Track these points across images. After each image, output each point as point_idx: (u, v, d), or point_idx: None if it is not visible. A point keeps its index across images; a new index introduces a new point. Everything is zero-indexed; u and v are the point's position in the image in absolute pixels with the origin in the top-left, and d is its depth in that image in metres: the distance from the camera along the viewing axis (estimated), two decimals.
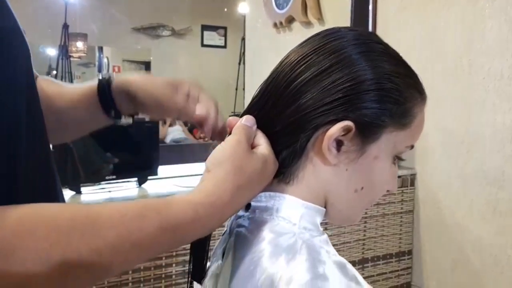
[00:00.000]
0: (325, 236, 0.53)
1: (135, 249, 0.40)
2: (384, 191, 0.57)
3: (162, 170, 1.78)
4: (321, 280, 0.45)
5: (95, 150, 1.63)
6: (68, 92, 0.69)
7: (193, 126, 6.29)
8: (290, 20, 2.62)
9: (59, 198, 0.58)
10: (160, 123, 5.23)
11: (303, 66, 0.52)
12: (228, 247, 0.55)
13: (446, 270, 1.87)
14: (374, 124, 0.51)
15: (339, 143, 0.51)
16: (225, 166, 0.48)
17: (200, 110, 0.62)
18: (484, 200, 1.70)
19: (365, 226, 1.91)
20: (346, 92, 0.50)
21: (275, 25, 2.75)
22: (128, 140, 1.66)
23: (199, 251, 0.55)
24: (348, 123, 0.50)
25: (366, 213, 1.91)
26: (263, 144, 0.52)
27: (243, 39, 4.73)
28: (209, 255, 0.57)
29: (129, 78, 0.67)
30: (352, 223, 0.59)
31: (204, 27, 5.73)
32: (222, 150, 0.50)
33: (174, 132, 5.25)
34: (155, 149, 1.74)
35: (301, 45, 0.56)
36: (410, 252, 2.01)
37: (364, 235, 1.91)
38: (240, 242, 0.52)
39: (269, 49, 2.93)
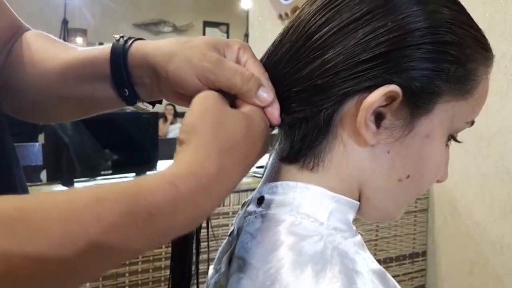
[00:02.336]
0: (359, 237, 0.42)
1: (94, 247, 0.28)
2: (435, 180, 0.45)
3: (162, 165, 1.68)
4: None
5: (91, 143, 1.53)
6: (67, 57, 0.49)
7: None
8: (296, 10, 2.52)
9: (16, 187, 0.47)
10: (161, 120, 5.14)
11: (332, 12, 0.40)
12: (236, 252, 0.42)
13: (463, 272, 1.76)
14: (427, 91, 0.39)
15: (379, 117, 0.39)
16: (200, 129, 0.36)
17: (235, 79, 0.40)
18: (506, 197, 1.59)
19: (377, 226, 1.81)
20: (390, 46, 0.38)
21: (280, 16, 2.66)
22: (125, 133, 1.56)
23: (182, 251, 0.44)
24: (393, 88, 0.37)
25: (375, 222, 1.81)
26: (243, 104, 0.40)
27: (246, 35, 4.63)
28: (196, 258, 0.45)
29: (149, 46, 0.44)
30: (391, 220, 0.48)
31: (206, 23, 5.64)
32: (191, 114, 0.37)
33: (175, 130, 5.16)
34: (154, 143, 1.64)
35: None
36: (424, 253, 1.92)
37: (376, 235, 1.81)
38: (251, 247, 0.41)
39: None
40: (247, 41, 4.45)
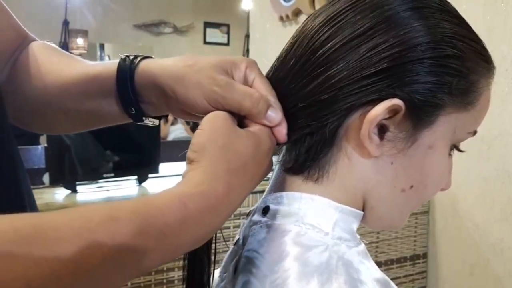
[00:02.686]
0: (363, 246, 0.43)
1: (108, 265, 0.29)
2: (438, 189, 0.45)
3: (164, 167, 1.68)
4: None
5: (93, 146, 1.54)
6: (73, 72, 0.49)
7: (196, 125, 6.18)
8: (297, 13, 2.52)
9: (24, 202, 0.47)
10: (162, 121, 5.14)
11: (334, 28, 0.41)
12: (241, 261, 0.43)
13: (463, 275, 1.77)
14: (429, 104, 0.39)
15: (382, 129, 0.40)
16: (210, 149, 0.37)
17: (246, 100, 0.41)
18: (506, 200, 1.60)
19: None
20: (392, 62, 0.38)
21: (281, 18, 2.66)
22: (127, 136, 1.57)
23: (198, 257, 0.44)
24: (396, 101, 0.38)
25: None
26: (251, 123, 0.41)
27: (247, 36, 4.63)
28: (212, 262, 0.46)
29: (156, 67, 0.44)
30: (395, 229, 0.49)
31: (207, 24, 5.63)
32: (201, 133, 0.38)
33: (176, 131, 5.15)
34: (156, 145, 1.64)
35: (331, 2, 0.44)
36: (425, 256, 1.91)
37: (377, 238, 1.81)
38: (257, 256, 0.41)
39: (274, 46, 2.83)
40: (247, 42, 4.43)
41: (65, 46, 4.57)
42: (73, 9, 4.70)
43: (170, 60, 0.44)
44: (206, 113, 0.40)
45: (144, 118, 0.49)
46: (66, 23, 4.59)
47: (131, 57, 0.46)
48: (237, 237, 0.47)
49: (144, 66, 0.45)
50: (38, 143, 2.08)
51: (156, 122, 0.51)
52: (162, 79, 0.43)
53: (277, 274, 0.38)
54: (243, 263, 0.42)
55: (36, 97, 0.52)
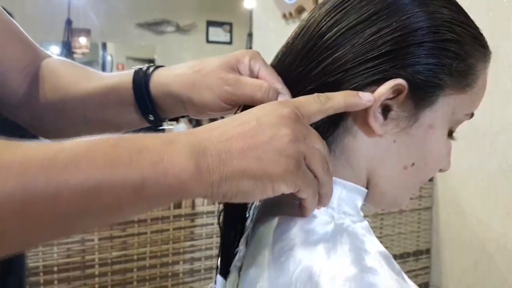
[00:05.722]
0: (366, 222, 0.45)
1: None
2: (438, 169, 0.48)
3: None
4: (371, 274, 0.37)
5: None
6: (89, 86, 0.53)
7: (199, 124, 6.18)
8: (300, 10, 2.53)
9: None
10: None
11: (341, 13, 0.43)
12: (251, 234, 0.46)
13: (467, 270, 1.78)
14: (430, 84, 0.42)
15: (386, 108, 0.43)
16: (254, 115, 0.39)
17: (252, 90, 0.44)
18: (509, 195, 1.60)
19: (381, 224, 1.82)
20: (395, 45, 0.41)
21: (284, 16, 2.67)
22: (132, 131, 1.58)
23: (230, 243, 0.48)
24: (400, 81, 0.41)
25: (382, 209, 1.82)
26: None
27: (250, 34, 4.65)
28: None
29: (168, 77, 0.48)
30: (397, 207, 0.51)
31: (209, 23, 5.65)
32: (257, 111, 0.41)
33: (180, 130, 5.17)
34: None
35: None
36: (428, 251, 1.92)
37: (381, 233, 1.82)
38: (265, 228, 0.44)
39: (277, 44, 2.82)
40: (250, 41, 4.44)
41: (67, 45, 4.60)
42: (76, 8, 4.72)
43: (179, 68, 0.48)
44: (223, 111, 0.44)
45: (162, 122, 0.52)
46: (69, 22, 4.61)
47: (144, 69, 0.50)
48: (248, 214, 0.49)
49: (157, 77, 0.49)
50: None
51: (174, 123, 0.55)
52: (176, 88, 0.47)
53: (285, 241, 0.41)
54: (253, 237, 0.45)
55: (53, 108, 0.55)
